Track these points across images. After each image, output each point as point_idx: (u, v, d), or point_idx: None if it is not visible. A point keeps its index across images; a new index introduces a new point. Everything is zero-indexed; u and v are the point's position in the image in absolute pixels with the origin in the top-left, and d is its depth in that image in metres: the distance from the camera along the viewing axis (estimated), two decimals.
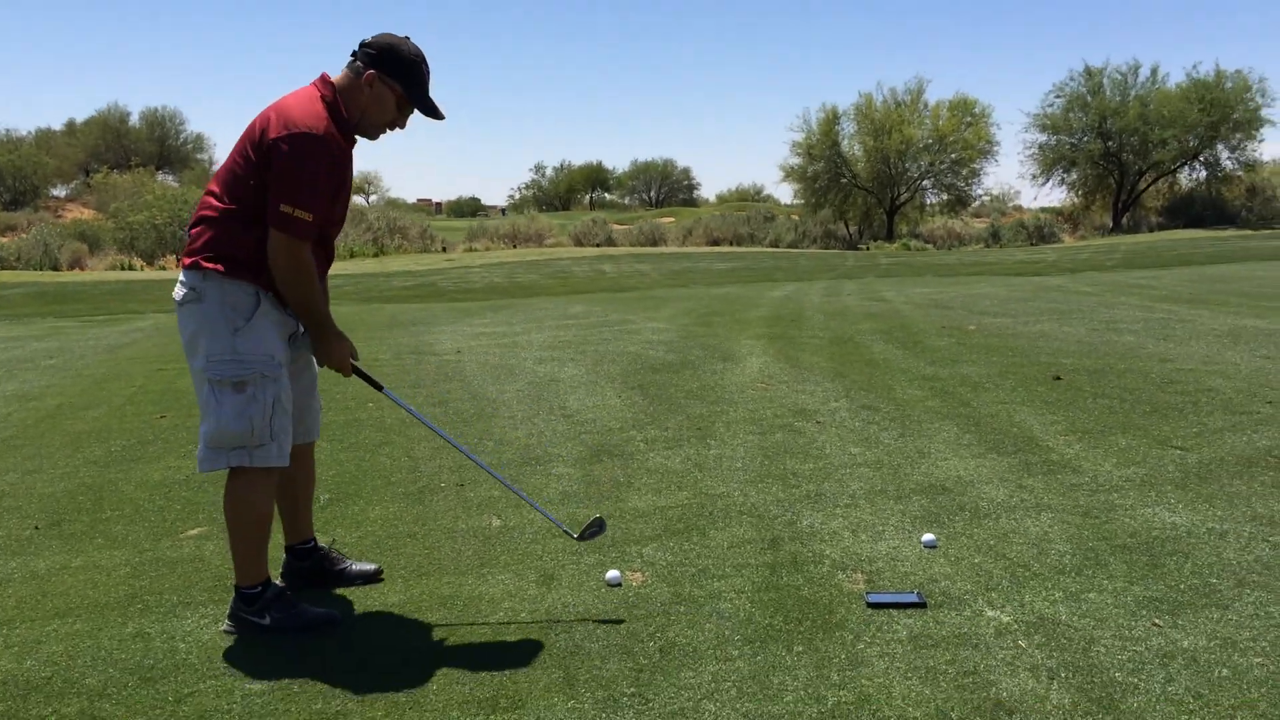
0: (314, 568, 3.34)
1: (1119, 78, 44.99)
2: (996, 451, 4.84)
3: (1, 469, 4.94)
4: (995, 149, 44.29)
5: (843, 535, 3.72)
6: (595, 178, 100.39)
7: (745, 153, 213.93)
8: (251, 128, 2.88)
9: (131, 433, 5.69)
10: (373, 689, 2.63)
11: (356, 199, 64.31)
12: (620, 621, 3.01)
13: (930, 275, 19.02)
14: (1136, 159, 44.13)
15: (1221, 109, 41.51)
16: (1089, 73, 45.28)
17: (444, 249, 36.64)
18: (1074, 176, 46.55)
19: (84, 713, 2.53)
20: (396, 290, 18.33)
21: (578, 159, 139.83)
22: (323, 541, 3.49)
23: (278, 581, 3.16)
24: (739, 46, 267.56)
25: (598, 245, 37.81)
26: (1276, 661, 2.67)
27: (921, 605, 3.07)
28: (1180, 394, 6.00)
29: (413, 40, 2.99)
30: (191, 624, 3.05)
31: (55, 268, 28.13)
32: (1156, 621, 2.93)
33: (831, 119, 44.71)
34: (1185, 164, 44.60)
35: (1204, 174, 44.89)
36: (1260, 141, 44.07)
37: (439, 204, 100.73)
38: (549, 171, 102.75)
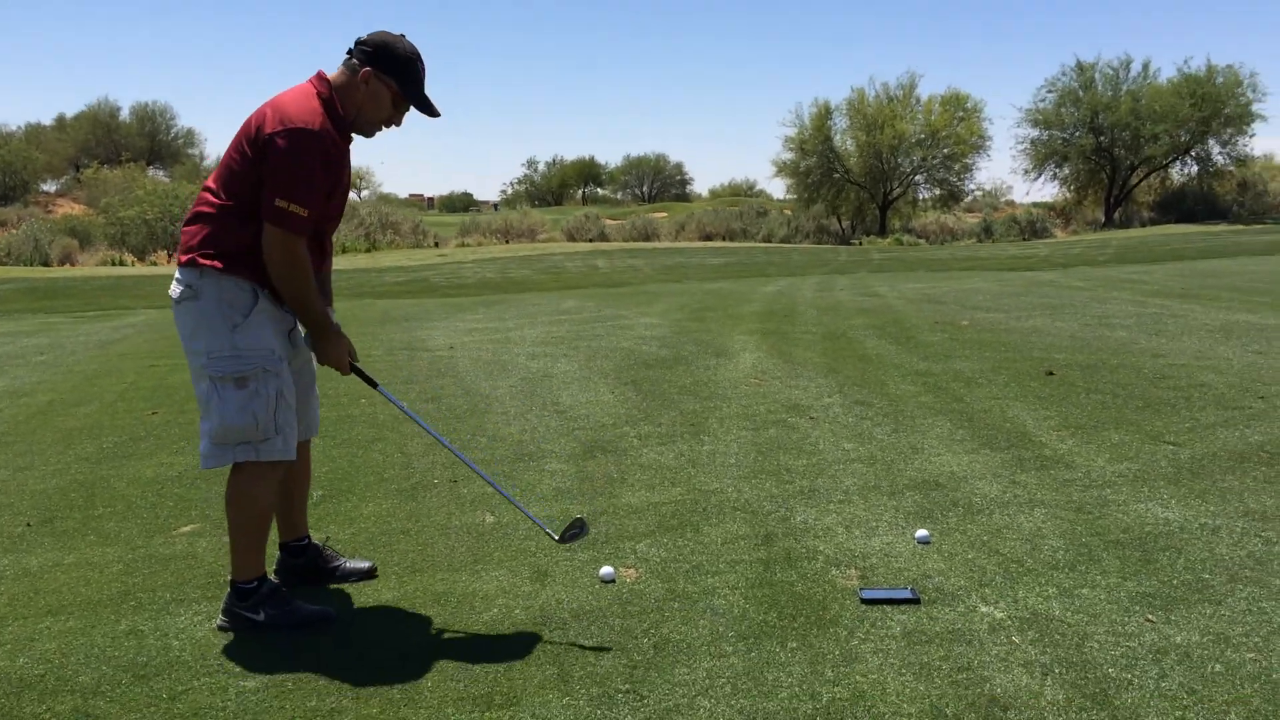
0: (308, 564, 3.34)
1: (1110, 72, 44.99)
2: (989, 447, 4.85)
3: None
4: (987, 144, 44.22)
5: (836, 531, 3.73)
6: (588, 173, 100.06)
7: (738, 148, 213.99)
8: (248, 124, 2.87)
9: (123, 429, 5.67)
10: (367, 686, 2.62)
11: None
12: (614, 618, 3.01)
13: (923, 270, 19.05)
14: (1128, 154, 44.15)
15: (1213, 104, 41.56)
16: (1081, 67, 45.28)
17: (436, 244, 36.53)
18: (1066, 171, 46.54)
19: (77, 710, 2.52)
20: (389, 285, 18.30)
21: (570, 154, 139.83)
22: (316, 539, 3.49)
23: (272, 578, 3.16)
24: (731, 41, 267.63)
25: (590, 240, 37.76)
26: (1269, 657, 2.68)
27: (915, 601, 3.08)
28: (1172, 389, 6.02)
29: (407, 38, 3.01)
30: (185, 621, 3.05)
31: (46, 263, 27.95)
32: (1150, 617, 2.94)
33: (824, 114, 44.64)
34: (1177, 159, 44.66)
35: (1195, 169, 44.91)
36: (1251, 136, 43.80)
37: (431, 199, 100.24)
38: (541, 166, 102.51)
